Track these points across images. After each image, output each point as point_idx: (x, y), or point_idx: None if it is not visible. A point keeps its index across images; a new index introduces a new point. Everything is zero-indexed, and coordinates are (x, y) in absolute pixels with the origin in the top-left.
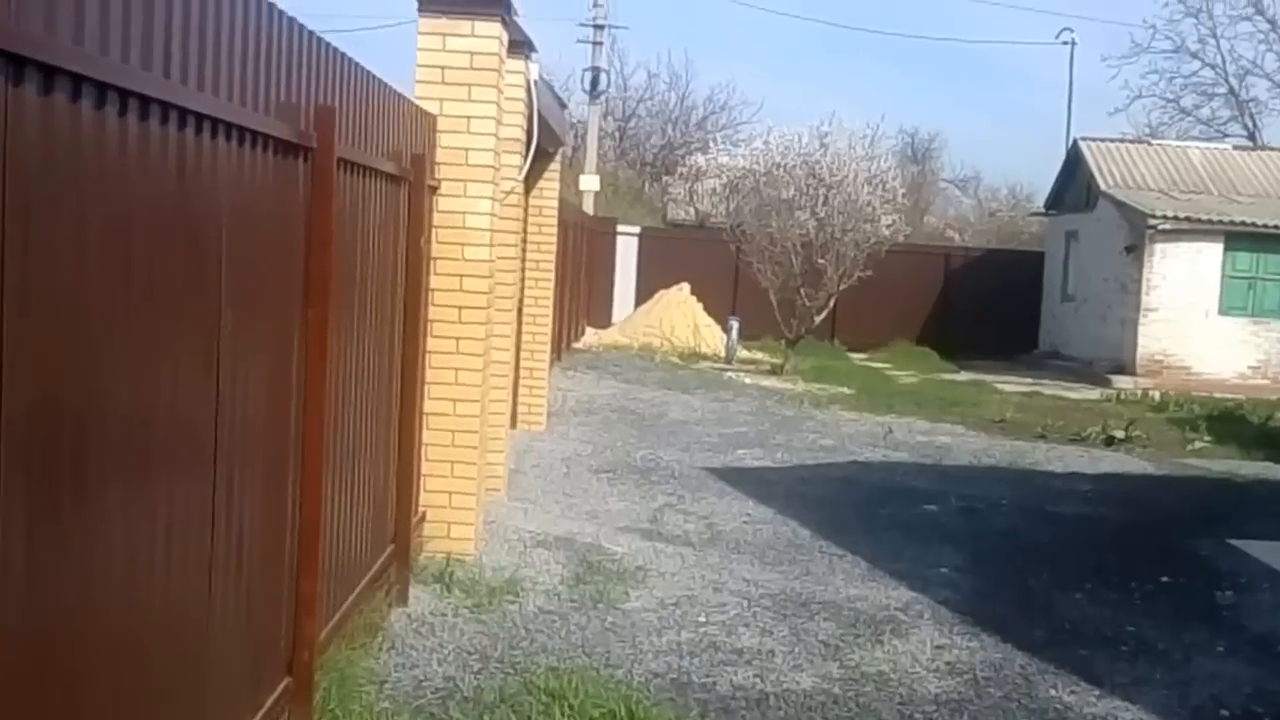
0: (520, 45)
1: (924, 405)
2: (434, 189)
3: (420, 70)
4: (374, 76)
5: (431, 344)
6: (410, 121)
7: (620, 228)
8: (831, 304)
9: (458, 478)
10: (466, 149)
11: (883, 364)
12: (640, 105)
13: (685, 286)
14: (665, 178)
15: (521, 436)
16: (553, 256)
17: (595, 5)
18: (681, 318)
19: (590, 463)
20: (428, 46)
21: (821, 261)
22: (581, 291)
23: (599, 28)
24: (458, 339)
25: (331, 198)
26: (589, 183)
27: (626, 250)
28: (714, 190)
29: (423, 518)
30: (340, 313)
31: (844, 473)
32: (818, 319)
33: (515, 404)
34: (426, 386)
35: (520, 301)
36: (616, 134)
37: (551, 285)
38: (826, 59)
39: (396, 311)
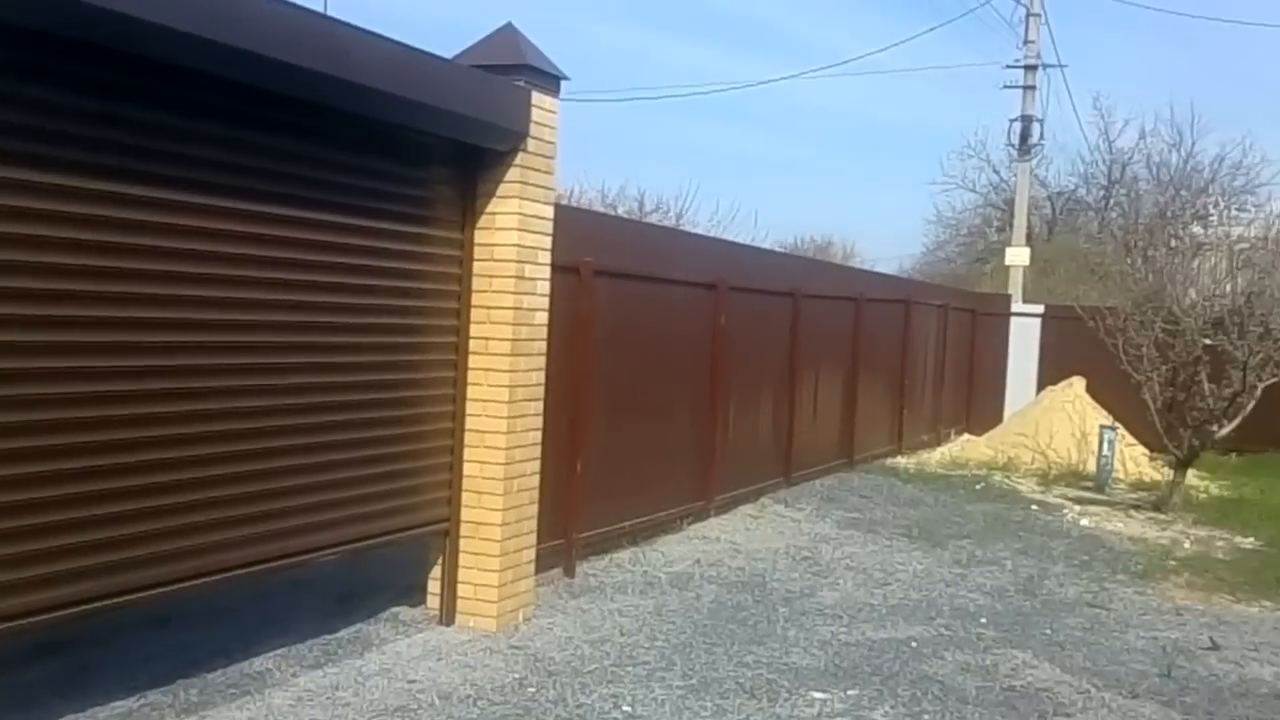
0: None
1: None
2: None
3: None
4: None
5: None
6: None
7: (1017, 308)
8: (1246, 409)
9: None
10: None
11: None
12: (1125, 169)
13: (1078, 382)
14: (1151, 253)
15: (424, 642)
16: (515, 318)
17: (1026, 44)
18: (1064, 423)
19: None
20: None
21: (1214, 342)
22: (946, 388)
23: (1030, 69)
24: None
25: None
26: (1016, 256)
27: (1026, 337)
28: (1215, 267)
29: None
30: None
31: None
32: (1220, 431)
33: (453, 577)
34: None
35: (459, 400)
36: (1099, 203)
37: (503, 370)
38: None
39: None
